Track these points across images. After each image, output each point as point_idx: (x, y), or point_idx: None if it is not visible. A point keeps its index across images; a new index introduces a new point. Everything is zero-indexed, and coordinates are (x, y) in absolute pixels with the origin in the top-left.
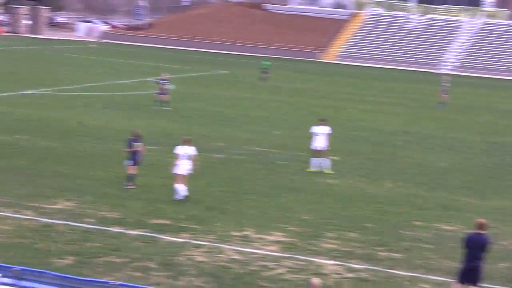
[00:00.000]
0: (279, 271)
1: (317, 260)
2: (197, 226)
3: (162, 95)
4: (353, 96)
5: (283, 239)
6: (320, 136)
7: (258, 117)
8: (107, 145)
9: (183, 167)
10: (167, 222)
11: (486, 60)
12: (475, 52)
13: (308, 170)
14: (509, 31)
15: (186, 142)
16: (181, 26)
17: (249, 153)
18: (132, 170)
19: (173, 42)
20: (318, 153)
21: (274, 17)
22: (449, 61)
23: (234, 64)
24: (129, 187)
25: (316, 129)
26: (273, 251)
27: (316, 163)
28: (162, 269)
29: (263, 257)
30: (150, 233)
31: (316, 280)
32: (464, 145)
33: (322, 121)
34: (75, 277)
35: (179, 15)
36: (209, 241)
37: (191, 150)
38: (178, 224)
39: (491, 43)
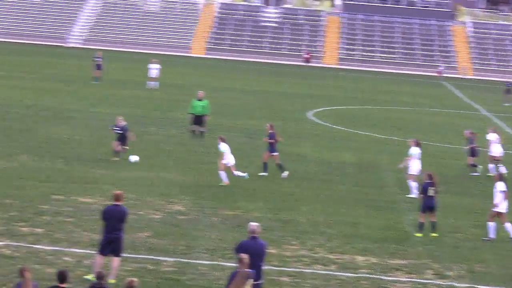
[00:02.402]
0: None
1: None
2: None
3: None
4: None
5: None
6: None
7: None
8: None
9: None
10: None
11: (112, 33)
12: (99, 25)
13: None
14: (130, 4)
15: None
16: None
17: None
18: None
19: None
20: None
21: None
22: (77, 34)
23: None
24: None
25: None
26: None
27: None
28: None
29: None
30: None
31: None
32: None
33: None
34: None
35: None
36: None
37: None
38: None
39: (114, 17)
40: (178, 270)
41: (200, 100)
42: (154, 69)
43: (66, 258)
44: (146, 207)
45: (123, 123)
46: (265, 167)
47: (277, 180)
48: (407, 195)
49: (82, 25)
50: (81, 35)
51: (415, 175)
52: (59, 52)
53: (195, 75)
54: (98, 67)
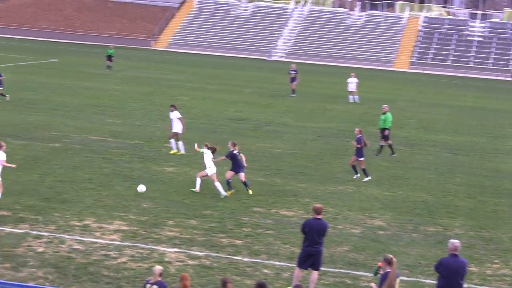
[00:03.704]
0: (122, 260)
1: (159, 248)
2: (36, 217)
3: None
4: (186, 84)
5: (123, 227)
6: (176, 121)
7: (92, 105)
8: None
9: None
10: (5, 213)
11: (312, 47)
12: (302, 39)
13: (171, 152)
14: (334, 18)
15: None
16: (8, 14)
17: (85, 142)
18: None
19: (1, 31)
20: (176, 136)
21: (103, 5)
22: (280, 48)
23: (65, 53)
24: None
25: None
26: (114, 240)
27: (175, 145)
28: (3, 261)
29: (105, 247)
30: None
31: (158, 268)
32: (296, 130)
33: (172, 106)
34: None
35: (7, 3)
36: (49, 232)
37: None
38: (17, 215)
39: (317, 30)
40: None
41: (384, 113)
42: (352, 83)
43: (265, 270)
44: (345, 222)
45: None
46: (354, 170)
47: (480, 197)
48: None
49: (286, 39)
50: (284, 49)
51: None
52: (263, 66)
53: (398, 89)
54: (293, 80)
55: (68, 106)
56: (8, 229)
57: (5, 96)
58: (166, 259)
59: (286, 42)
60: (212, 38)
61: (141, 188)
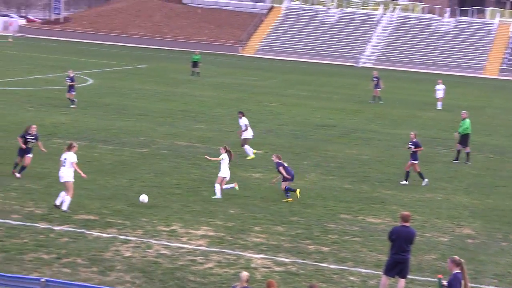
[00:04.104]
0: (208, 265)
1: (245, 254)
2: (123, 222)
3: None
4: (274, 90)
5: (210, 233)
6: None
7: (180, 111)
8: None
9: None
10: (93, 217)
11: (401, 54)
12: (391, 46)
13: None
14: (423, 24)
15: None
16: (98, 20)
17: (172, 147)
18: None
19: (91, 36)
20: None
21: (192, 11)
22: (368, 55)
23: (153, 59)
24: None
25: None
26: (201, 246)
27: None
28: (91, 265)
29: (192, 252)
30: (77, 228)
31: (245, 274)
32: (384, 137)
33: (240, 113)
34: (2, 274)
35: (96, 9)
36: (136, 236)
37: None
38: (105, 219)
39: (406, 37)
40: None
41: (463, 119)
42: (440, 90)
43: (351, 278)
44: (433, 229)
45: None
46: (407, 175)
47: None
48: None
49: (374, 46)
50: (372, 56)
51: None
52: (350, 72)
53: (487, 96)
54: (376, 86)
55: (156, 111)
56: (96, 233)
57: (73, 101)
58: (252, 265)
59: (374, 49)
60: (299, 44)
61: (143, 198)
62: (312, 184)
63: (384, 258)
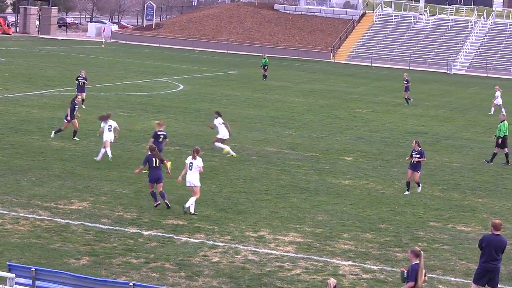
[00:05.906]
0: (296, 271)
1: (333, 261)
2: (212, 227)
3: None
4: (365, 97)
5: (298, 239)
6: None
7: (270, 117)
8: (122, 145)
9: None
10: (182, 222)
11: (495, 60)
12: (485, 53)
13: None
14: None
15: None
16: (189, 26)
17: (261, 153)
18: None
19: (182, 43)
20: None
21: (284, 17)
22: (461, 62)
23: (244, 65)
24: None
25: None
26: (289, 252)
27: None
28: (179, 270)
29: (279, 258)
30: (166, 233)
31: (333, 281)
32: (476, 145)
33: (217, 113)
34: (91, 277)
35: (188, 15)
36: (224, 242)
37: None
38: (193, 224)
39: (501, 43)
40: None
41: (502, 122)
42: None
43: (440, 286)
44: None
45: None
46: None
47: None
48: None
49: (467, 53)
50: (465, 63)
51: None
52: (443, 79)
53: None
54: (406, 88)
55: (246, 117)
56: (184, 238)
57: (83, 102)
58: (340, 272)
59: (467, 56)
60: (392, 51)
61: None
62: (402, 191)
63: (474, 266)
